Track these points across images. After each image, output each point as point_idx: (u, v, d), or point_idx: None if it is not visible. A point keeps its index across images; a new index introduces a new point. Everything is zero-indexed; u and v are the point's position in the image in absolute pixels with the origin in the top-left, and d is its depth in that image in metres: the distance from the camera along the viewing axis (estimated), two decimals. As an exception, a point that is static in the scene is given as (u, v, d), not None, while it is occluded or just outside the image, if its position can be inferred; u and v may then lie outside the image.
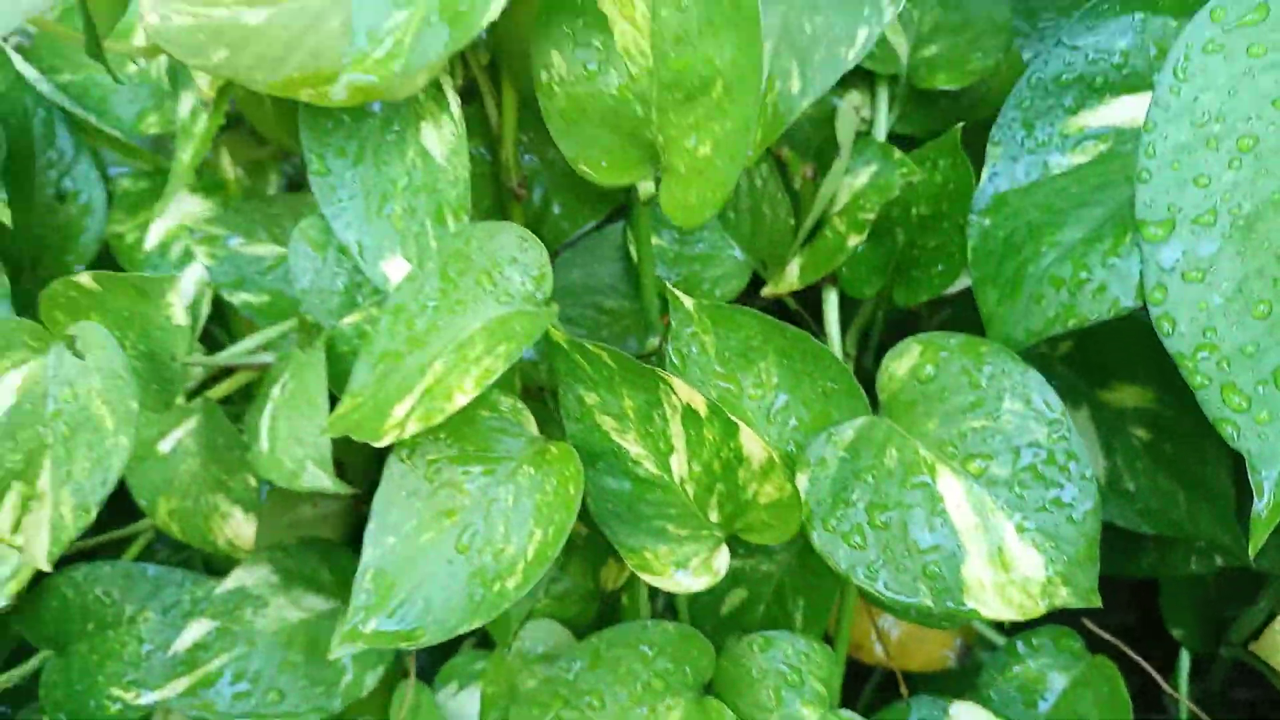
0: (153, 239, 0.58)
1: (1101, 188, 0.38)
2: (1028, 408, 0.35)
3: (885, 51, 0.44)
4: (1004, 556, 0.34)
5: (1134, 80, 0.39)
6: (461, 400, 0.34)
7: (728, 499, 0.37)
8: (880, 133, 0.45)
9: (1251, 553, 0.30)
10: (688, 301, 0.38)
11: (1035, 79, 0.40)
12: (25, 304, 0.57)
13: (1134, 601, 0.57)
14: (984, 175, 0.41)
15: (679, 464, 0.37)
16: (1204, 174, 0.32)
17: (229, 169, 0.57)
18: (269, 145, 0.56)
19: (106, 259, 0.62)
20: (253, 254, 0.50)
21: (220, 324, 0.57)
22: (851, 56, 0.40)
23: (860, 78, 0.45)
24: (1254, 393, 0.30)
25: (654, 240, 0.46)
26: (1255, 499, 0.30)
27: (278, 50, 0.37)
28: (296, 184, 0.60)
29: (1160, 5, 0.39)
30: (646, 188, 0.39)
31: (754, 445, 0.35)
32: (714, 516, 0.38)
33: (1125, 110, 0.39)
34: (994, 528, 0.34)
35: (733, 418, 0.35)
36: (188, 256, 0.57)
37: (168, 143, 0.64)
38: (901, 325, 0.48)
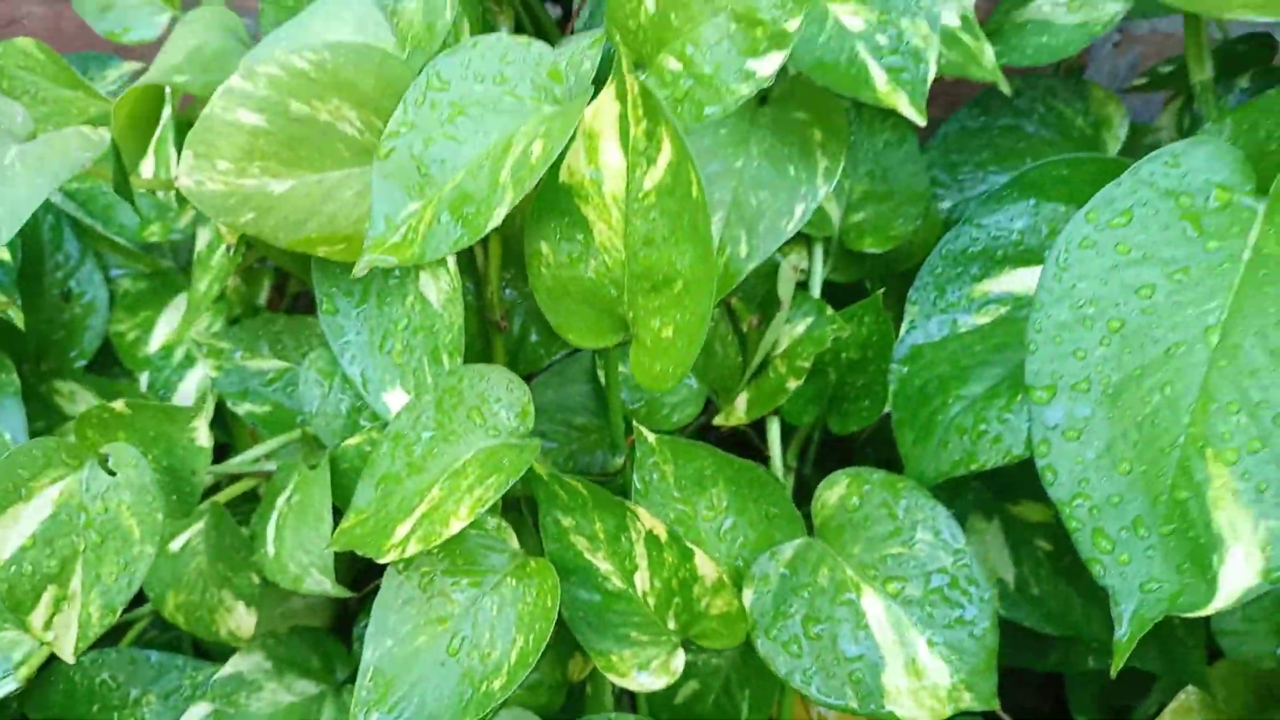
0: (156, 342, 0.63)
1: (1000, 348, 0.45)
2: (937, 538, 0.42)
3: (820, 218, 0.51)
4: (917, 666, 0.40)
5: (1028, 255, 0.46)
6: (457, 526, 0.40)
7: (684, 610, 0.43)
8: (816, 282, 0.51)
9: (1113, 673, 0.36)
10: (650, 436, 0.44)
11: (946, 250, 0.47)
12: (28, 395, 0.61)
13: (1046, 691, 0.63)
14: (903, 328, 0.47)
15: (642, 580, 0.43)
16: (1081, 348, 0.38)
17: (230, 280, 0.62)
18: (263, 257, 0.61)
19: (108, 355, 0.66)
20: (256, 368, 0.55)
21: (220, 424, 0.62)
22: (790, 227, 0.47)
23: (801, 237, 0.52)
24: (1117, 537, 0.37)
25: (620, 368, 0.52)
26: (1116, 628, 0.36)
27: (299, 215, 0.42)
28: (280, 287, 0.66)
29: (1051, 193, 0.46)
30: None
31: (707, 567, 0.41)
32: (672, 625, 0.43)
33: (1021, 280, 0.46)
34: (909, 642, 0.40)
35: (688, 544, 0.41)
36: (189, 360, 0.62)
37: (167, 247, 0.70)
38: (839, 438, 0.55)
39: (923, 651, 0.40)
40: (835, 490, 0.45)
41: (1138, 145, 0.64)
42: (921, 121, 0.42)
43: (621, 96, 0.34)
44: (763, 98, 0.49)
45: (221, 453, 0.63)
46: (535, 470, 0.42)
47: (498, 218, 0.35)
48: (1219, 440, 0.35)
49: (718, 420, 0.50)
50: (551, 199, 0.37)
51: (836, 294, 0.57)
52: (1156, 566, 0.36)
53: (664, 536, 0.41)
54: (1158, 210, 0.39)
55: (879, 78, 0.43)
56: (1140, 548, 0.36)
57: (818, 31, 0.44)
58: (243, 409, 0.54)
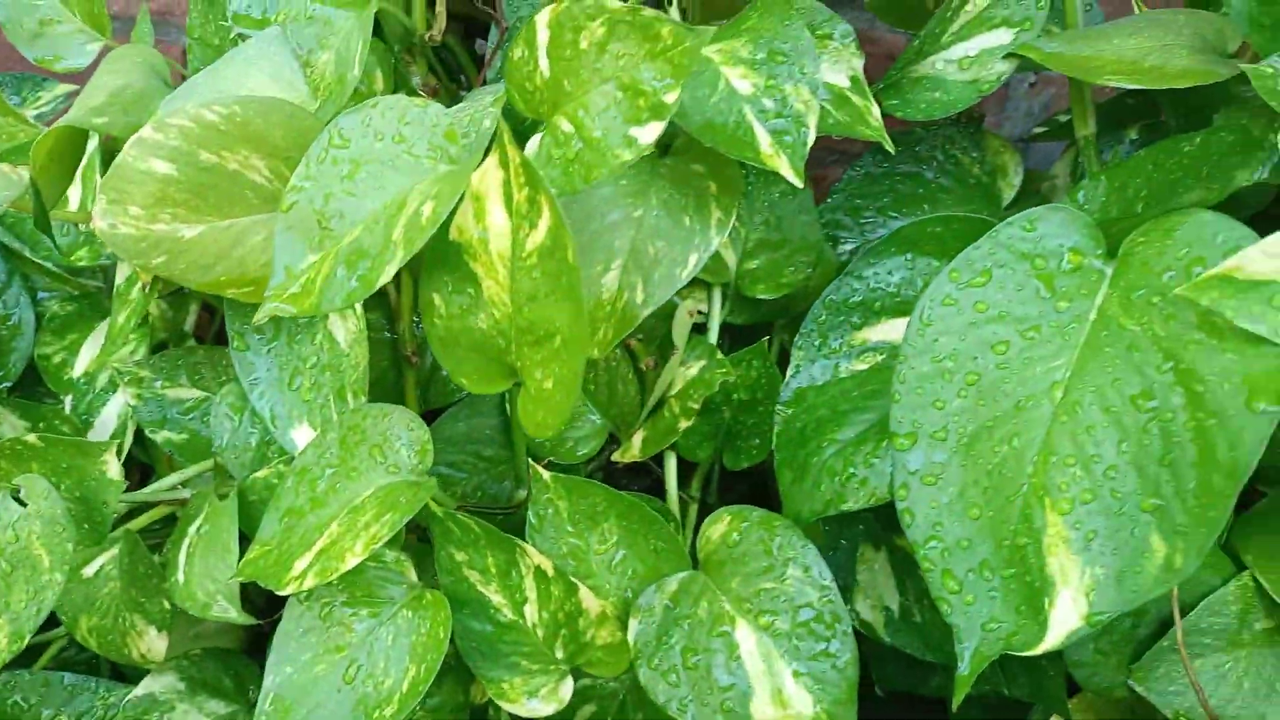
0: (80, 367, 0.65)
1: (874, 394, 0.47)
2: (806, 575, 0.44)
3: (718, 264, 0.53)
4: (783, 696, 0.43)
5: (904, 306, 0.49)
6: (353, 561, 0.42)
7: (571, 641, 0.45)
8: (714, 325, 0.54)
9: (954, 707, 0.39)
10: (545, 474, 0.47)
11: (830, 299, 0.50)
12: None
13: (931, 714, 0.66)
14: (789, 372, 0.50)
15: (531, 612, 0.45)
16: (940, 399, 0.41)
17: (154, 307, 0.64)
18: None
19: (34, 377, 0.67)
20: (175, 397, 0.56)
21: (142, 446, 0.63)
22: (684, 275, 0.49)
23: (701, 281, 0.55)
24: (965, 579, 0.39)
25: (526, 402, 0.54)
26: (958, 663, 0.39)
27: (209, 259, 0.44)
28: (212, 310, 0.67)
29: (925, 248, 0.49)
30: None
31: (591, 601, 0.44)
32: (559, 654, 0.46)
33: (897, 330, 0.49)
34: (776, 672, 0.43)
35: (573, 579, 0.43)
36: (113, 385, 0.63)
37: (97, 269, 0.71)
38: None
39: (789, 682, 0.43)
40: (718, 527, 0.47)
41: (1033, 191, 0.67)
42: (799, 184, 0.44)
43: (504, 165, 0.36)
44: (665, 148, 0.52)
45: (146, 474, 0.64)
46: (431, 508, 0.45)
47: (388, 274, 0.38)
48: (1056, 490, 0.38)
49: (615, 456, 0.53)
50: (443, 254, 0.40)
51: (739, 334, 0.59)
52: (998, 607, 0.38)
53: (551, 572, 0.43)
54: (1014, 271, 0.42)
55: (763, 140, 0.45)
56: (984, 589, 0.39)
57: (710, 93, 0.47)
58: (160, 437, 0.55)
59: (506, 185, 0.36)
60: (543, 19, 0.40)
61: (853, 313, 0.50)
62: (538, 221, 0.36)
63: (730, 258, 0.54)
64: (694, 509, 0.58)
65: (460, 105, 0.44)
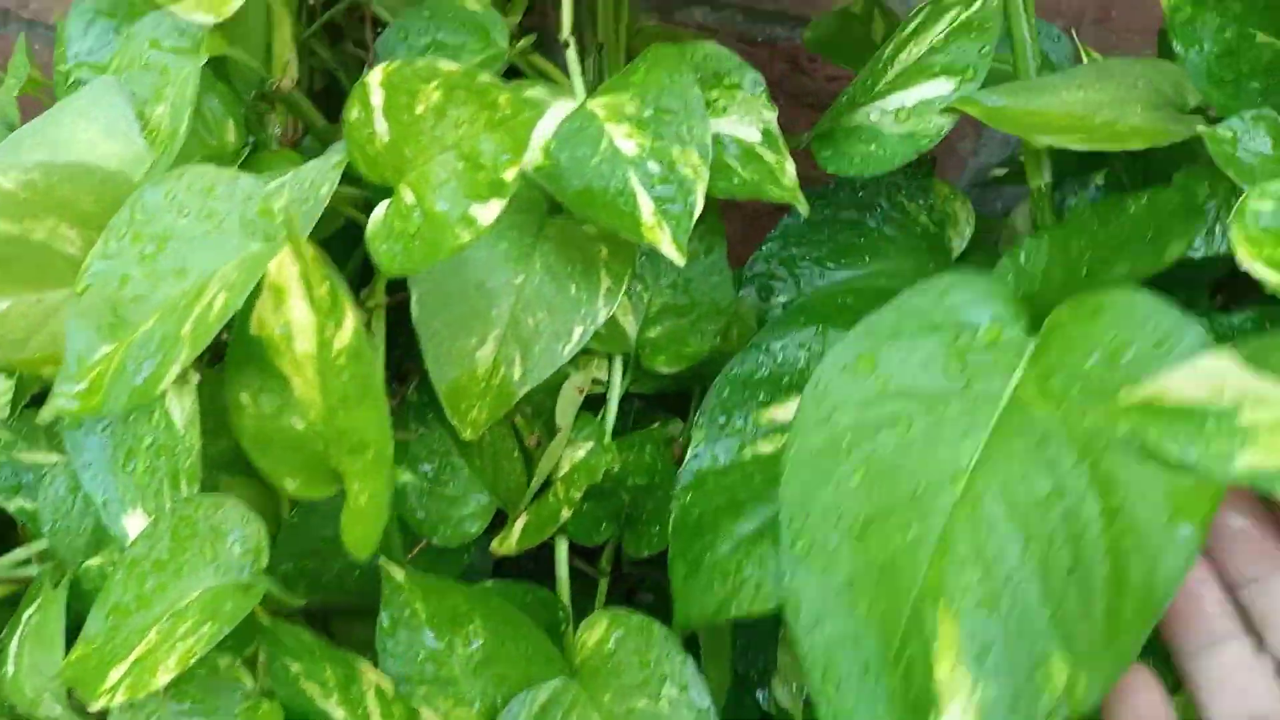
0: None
1: (777, 481, 0.42)
2: (682, 694, 0.40)
3: (615, 333, 0.48)
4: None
5: (813, 382, 0.44)
6: (165, 678, 0.38)
7: (420, 763, 0.41)
8: (613, 399, 0.49)
9: None
10: (397, 573, 0.42)
11: (733, 374, 0.45)
12: None
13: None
14: (688, 454, 0.45)
15: (376, 731, 0.40)
16: (833, 478, 0.35)
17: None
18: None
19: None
20: (31, 461, 0.52)
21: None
22: (567, 351, 0.44)
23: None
24: (846, 678, 0.33)
25: (407, 477, 0.50)
26: None
27: (20, 334, 0.40)
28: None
29: (835, 320, 0.44)
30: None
31: (432, 725, 0.39)
32: (408, 778, 0.41)
33: (805, 409, 0.44)
34: (639, 813, 0.38)
35: (413, 706, 0.38)
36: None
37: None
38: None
39: (652, 825, 0.38)
40: (595, 631, 0.43)
41: (986, 241, 0.62)
42: (681, 261, 0.40)
43: (299, 257, 0.31)
44: (556, 206, 0.47)
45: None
46: (258, 616, 0.40)
47: (172, 375, 0.33)
48: (951, 594, 0.33)
49: (494, 547, 0.48)
50: (246, 349, 0.35)
51: (653, 403, 0.55)
52: (879, 713, 0.33)
53: (390, 692, 0.39)
54: (922, 344, 0.37)
55: (645, 209, 0.40)
56: (866, 692, 0.33)
57: (591, 153, 0.42)
58: (13, 505, 0.51)
59: (305, 277, 0.32)
60: (375, 78, 0.36)
61: (759, 388, 0.45)
62: (342, 320, 0.32)
63: (630, 325, 0.49)
64: (604, 584, 0.53)
65: (299, 170, 0.39)
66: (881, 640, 0.33)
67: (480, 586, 0.43)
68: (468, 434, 0.44)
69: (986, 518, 0.33)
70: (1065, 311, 0.37)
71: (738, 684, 0.56)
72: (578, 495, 0.45)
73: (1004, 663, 0.32)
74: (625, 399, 0.50)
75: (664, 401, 0.56)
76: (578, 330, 0.44)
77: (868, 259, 0.59)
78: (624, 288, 0.44)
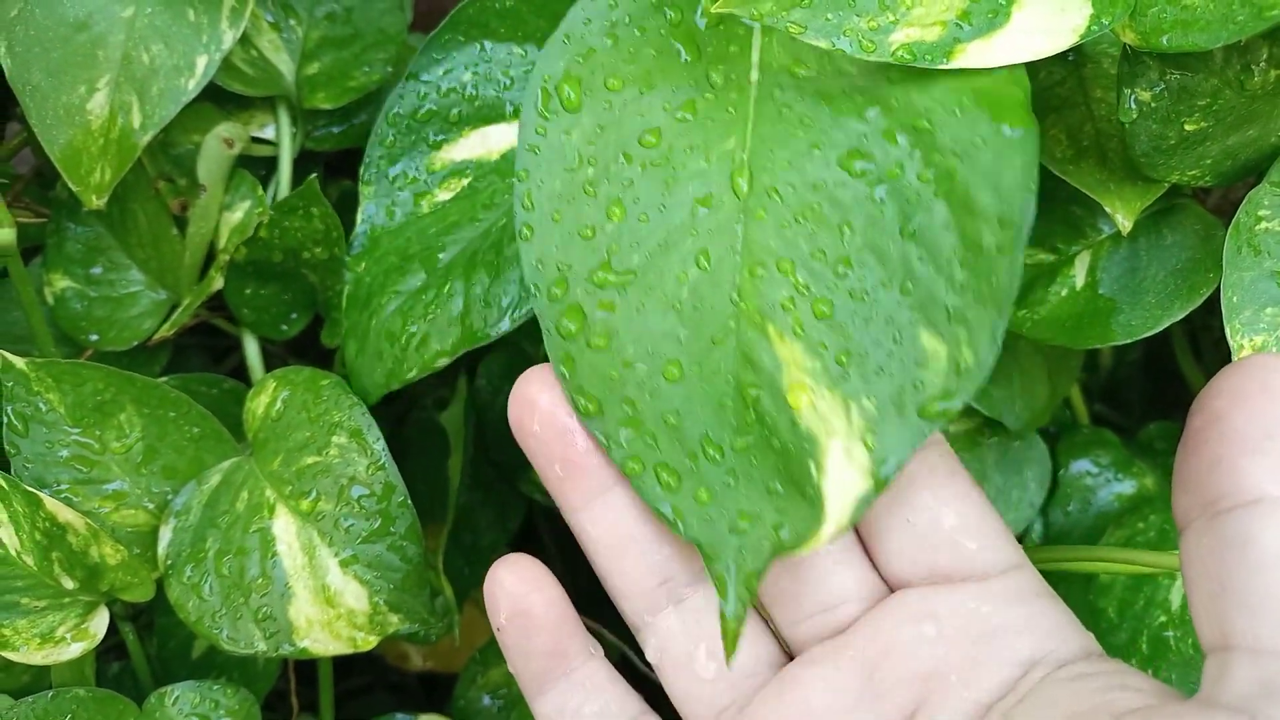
0: None
1: (455, 226, 0.37)
2: (352, 441, 0.35)
3: (267, 72, 0.42)
4: (329, 593, 0.34)
5: (487, 112, 0.38)
6: None
7: (73, 565, 0.35)
8: (285, 153, 0.43)
9: (729, 666, 0.27)
10: (18, 361, 0.36)
11: (394, 114, 0.39)
12: None
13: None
14: (359, 217, 0.39)
15: (9, 537, 0.35)
16: (588, 225, 0.28)
17: None
18: None
19: None
20: None
21: None
22: (192, 86, 0.38)
23: (263, 100, 0.44)
24: (684, 468, 0.27)
25: (66, 282, 0.44)
26: (720, 599, 0.26)
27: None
28: None
29: (499, 33, 0.39)
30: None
31: (67, 513, 0.34)
32: (69, 584, 0.36)
33: (484, 142, 0.38)
34: (320, 566, 0.34)
35: (31, 489, 0.33)
36: None
37: None
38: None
39: (335, 575, 0.34)
40: (263, 397, 0.38)
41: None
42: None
43: None
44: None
45: None
46: None
47: None
48: (778, 312, 0.27)
49: (156, 337, 0.42)
50: None
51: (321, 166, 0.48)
52: (742, 495, 0.27)
53: (4, 484, 0.33)
54: (644, 30, 0.30)
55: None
56: (717, 475, 0.27)
57: None
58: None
59: None
60: None
61: (426, 127, 0.39)
62: None
63: (284, 63, 0.43)
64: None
65: None
66: (712, 404, 0.27)
67: (126, 374, 0.37)
68: (94, 201, 0.38)
69: (789, 209, 0.27)
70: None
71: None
72: (229, 260, 0.39)
73: (870, 367, 0.26)
74: (306, 163, 0.45)
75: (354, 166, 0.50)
76: (201, 60, 0.38)
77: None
78: (250, 6, 0.38)
